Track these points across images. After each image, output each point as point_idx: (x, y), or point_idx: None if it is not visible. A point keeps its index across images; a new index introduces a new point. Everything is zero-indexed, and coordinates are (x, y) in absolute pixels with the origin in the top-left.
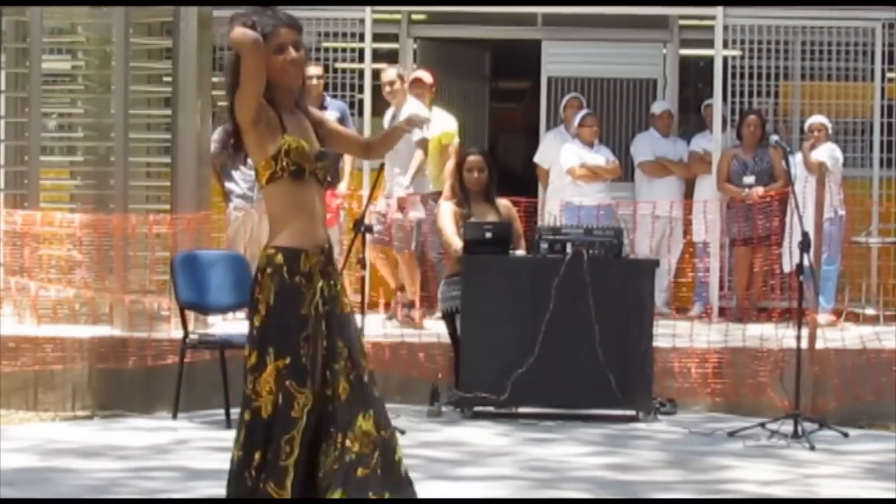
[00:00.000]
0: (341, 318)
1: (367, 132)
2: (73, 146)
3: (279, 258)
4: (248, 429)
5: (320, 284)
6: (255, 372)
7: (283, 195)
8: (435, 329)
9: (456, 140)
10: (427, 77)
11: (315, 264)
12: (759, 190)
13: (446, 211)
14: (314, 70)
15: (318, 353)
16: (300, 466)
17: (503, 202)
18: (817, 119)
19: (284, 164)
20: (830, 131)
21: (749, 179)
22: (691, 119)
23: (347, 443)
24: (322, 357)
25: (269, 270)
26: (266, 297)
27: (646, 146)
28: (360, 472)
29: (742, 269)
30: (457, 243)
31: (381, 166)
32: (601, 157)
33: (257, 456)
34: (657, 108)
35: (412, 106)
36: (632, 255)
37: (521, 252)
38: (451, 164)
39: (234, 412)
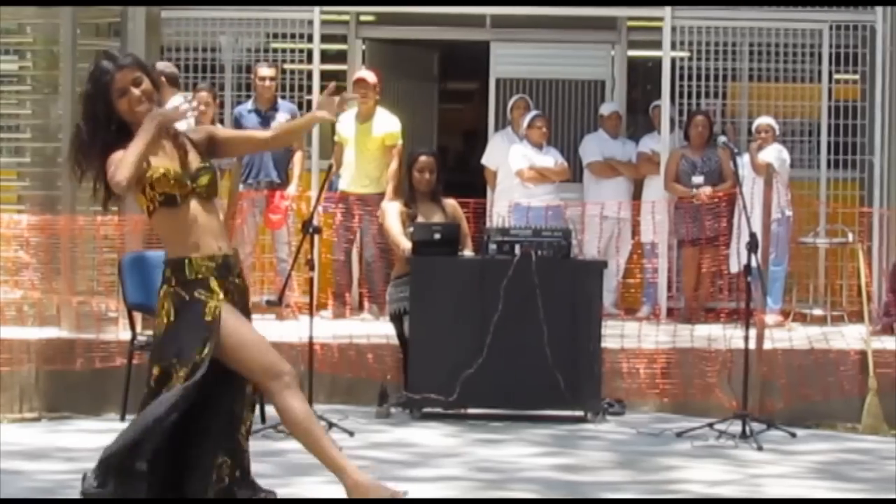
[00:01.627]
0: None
1: (315, 133)
2: (20, 147)
3: (167, 272)
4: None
5: (219, 293)
6: (159, 384)
7: (165, 221)
8: (384, 330)
9: (399, 141)
10: (370, 77)
11: (204, 271)
12: (708, 190)
13: (392, 211)
14: (267, 71)
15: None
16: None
17: (449, 202)
18: (764, 120)
19: (152, 196)
20: (778, 132)
21: (698, 179)
22: (640, 120)
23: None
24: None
25: (164, 287)
26: (166, 313)
27: (594, 147)
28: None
29: (690, 269)
30: (405, 244)
31: (330, 167)
32: (550, 159)
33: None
34: (605, 109)
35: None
36: (580, 256)
37: (468, 252)
38: (394, 165)
39: None
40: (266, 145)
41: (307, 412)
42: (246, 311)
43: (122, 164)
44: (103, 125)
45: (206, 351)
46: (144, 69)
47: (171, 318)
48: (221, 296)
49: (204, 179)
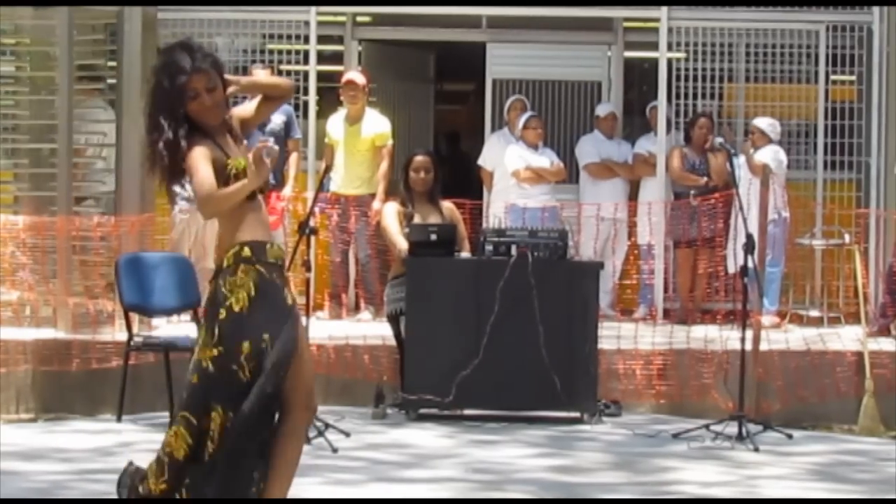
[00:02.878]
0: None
1: (311, 134)
2: (16, 148)
3: (246, 251)
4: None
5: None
6: (250, 361)
7: (236, 213)
8: (380, 331)
9: (389, 141)
10: (359, 78)
11: (279, 258)
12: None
13: (390, 211)
14: (263, 73)
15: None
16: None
17: (447, 204)
18: (757, 122)
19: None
20: (773, 138)
21: (701, 180)
22: (636, 121)
23: None
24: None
25: (241, 266)
26: (243, 291)
27: (590, 148)
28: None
29: (685, 270)
30: (402, 244)
31: (326, 168)
32: (546, 160)
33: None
34: (602, 110)
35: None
36: (576, 257)
37: (465, 254)
38: (384, 166)
39: None
40: (274, 103)
41: (299, 457)
42: None
43: (223, 200)
44: (181, 122)
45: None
46: (220, 72)
47: (254, 295)
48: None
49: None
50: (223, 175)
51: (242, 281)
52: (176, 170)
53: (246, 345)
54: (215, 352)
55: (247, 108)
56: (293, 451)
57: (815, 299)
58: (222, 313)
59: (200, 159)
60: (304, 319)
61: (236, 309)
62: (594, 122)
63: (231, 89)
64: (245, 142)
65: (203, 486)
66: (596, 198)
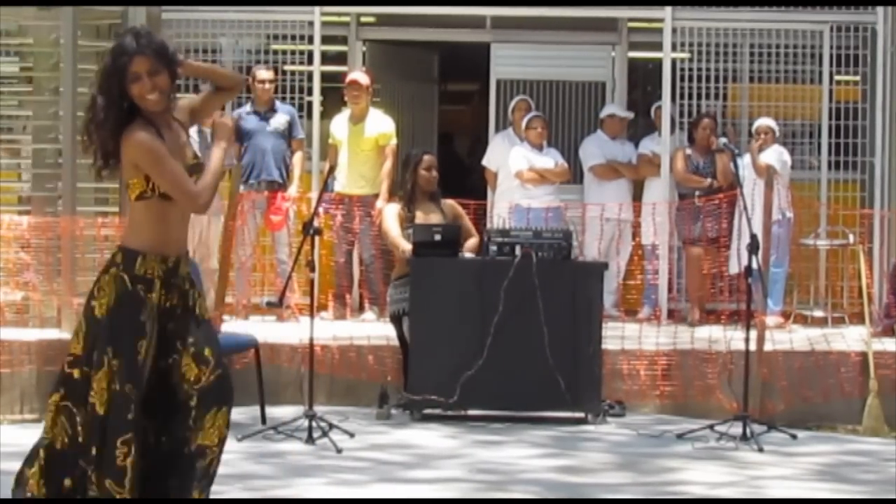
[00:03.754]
0: (182, 324)
1: (315, 135)
2: (20, 148)
3: (118, 257)
4: (86, 422)
5: (157, 294)
6: (91, 367)
7: (147, 211)
8: (384, 331)
9: (393, 141)
10: (363, 78)
11: (152, 270)
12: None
13: (391, 213)
14: (265, 74)
15: (149, 357)
16: (137, 465)
17: (447, 202)
18: (764, 122)
19: (155, 185)
20: (777, 134)
21: (705, 181)
22: (639, 121)
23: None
24: (154, 359)
25: (111, 270)
26: (108, 297)
27: (595, 149)
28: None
29: (694, 271)
30: (405, 245)
31: (331, 168)
32: (550, 160)
33: (93, 451)
34: (608, 111)
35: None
36: (580, 257)
37: (473, 240)
38: (388, 165)
39: None
40: (227, 95)
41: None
42: (189, 311)
43: (211, 188)
44: (116, 103)
45: (143, 353)
46: (166, 59)
47: (112, 304)
48: (158, 298)
49: (195, 177)
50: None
51: (108, 286)
52: (106, 151)
53: (96, 353)
54: (74, 348)
55: (194, 99)
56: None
57: (819, 300)
58: (87, 311)
59: (157, 148)
60: (307, 319)
61: (97, 314)
62: (599, 123)
63: (179, 70)
64: (194, 137)
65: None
66: (600, 198)
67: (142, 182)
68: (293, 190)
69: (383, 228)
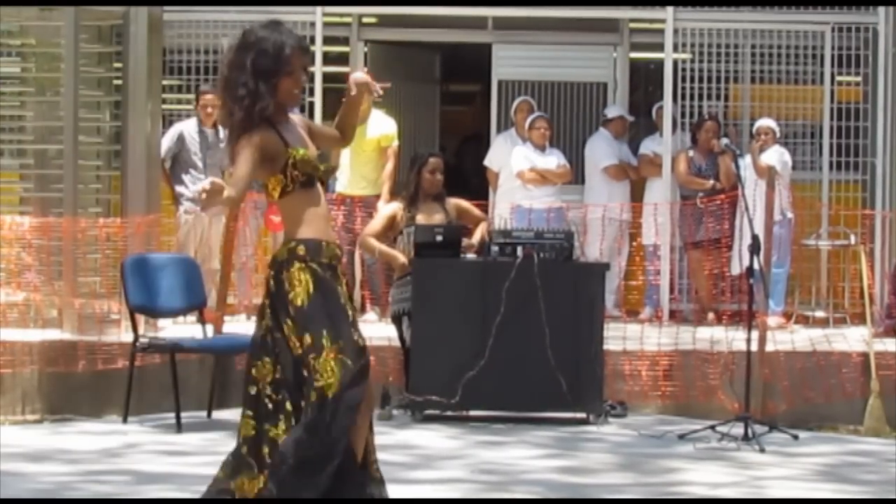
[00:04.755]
0: None
1: None
2: (22, 149)
3: (301, 249)
4: (317, 408)
5: (342, 281)
6: (312, 352)
7: (298, 203)
8: (386, 332)
9: (395, 142)
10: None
11: (334, 257)
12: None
13: (385, 213)
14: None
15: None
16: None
17: (451, 202)
18: (765, 122)
19: (294, 175)
20: (778, 134)
21: (707, 183)
22: (641, 122)
23: None
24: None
25: (296, 264)
26: (304, 287)
27: (609, 149)
28: None
29: (698, 272)
30: (400, 258)
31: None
32: (552, 161)
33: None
34: (611, 112)
35: None
36: (582, 258)
37: (483, 225)
38: (389, 167)
39: (185, 415)
40: (339, 141)
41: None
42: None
43: (240, 186)
44: (268, 96)
45: (359, 335)
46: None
47: (312, 290)
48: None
49: (325, 165)
50: (280, 162)
51: (300, 277)
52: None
53: (307, 337)
54: (308, 339)
55: (319, 127)
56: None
57: (820, 300)
58: (290, 309)
59: (246, 148)
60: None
61: (298, 303)
62: (606, 125)
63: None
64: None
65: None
66: (603, 199)
67: (279, 177)
68: None
69: (373, 248)
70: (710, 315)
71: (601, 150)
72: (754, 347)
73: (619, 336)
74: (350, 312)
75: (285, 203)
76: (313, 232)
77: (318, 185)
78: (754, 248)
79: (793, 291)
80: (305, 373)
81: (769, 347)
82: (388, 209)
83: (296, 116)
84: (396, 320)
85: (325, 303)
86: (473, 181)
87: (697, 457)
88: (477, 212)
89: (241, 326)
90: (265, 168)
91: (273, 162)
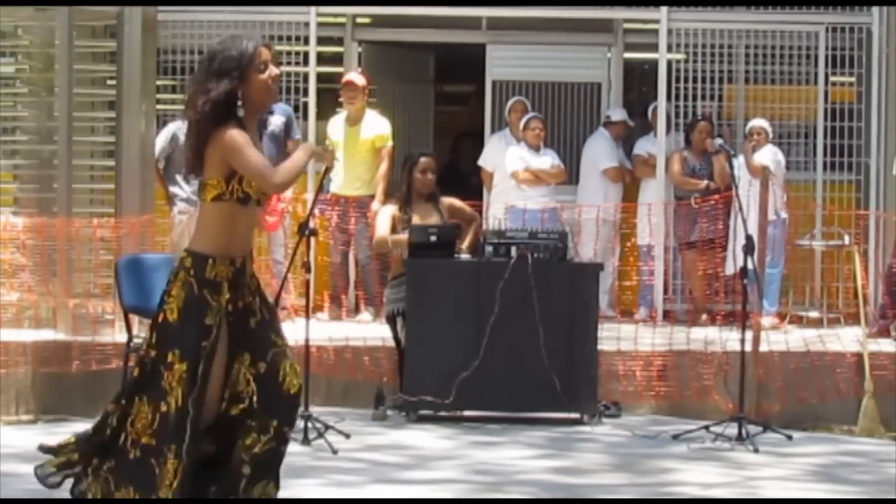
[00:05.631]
0: (251, 330)
1: (311, 136)
2: (16, 149)
3: (188, 261)
4: (164, 419)
5: (226, 297)
6: (168, 369)
7: (221, 214)
8: (380, 332)
9: (389, 143)
10: (359, 79)
11: (222, 273)
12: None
13: (384, 215)
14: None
15: (214, 362)
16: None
17: (445, 202)
18: (757, 122)
19: (234, 188)
20: (771, 135)
21: (701, 183)
22: (636, 122)
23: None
24: (223, 366)
25: (180, 274)
26: (176, 301)
27: (611, 151)
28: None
29: (693, 272)
30: (394, 236)
31: (326, 170)
32: (546, 161)
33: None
34: (615, 115)
35: None
36: (576, 258)
37: (475, 224)
38: (384, 167)
39: None
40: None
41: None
42: (253, 310)
43: (290, 175)
44: (230, 98)
45: (204, 354)
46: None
47: (181, 308)
48: (224, 301)
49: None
50: (231, 168)
51: (178, 291)
52: (198, 148)
53: (171, 354)
54: (151, 353)
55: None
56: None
57: (814, 300)
58: (160, 316)
59: (241, 140)
60: (303, 321)
61: (170, 318)
62: (605, 125)
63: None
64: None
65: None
66: (594, 200)
67: (221, 184)
68: (288, 191)
69: (374, 231)
70: (704, 315)
71: (602, 152)
72: (748, 348)
73: (614, 336)
74: (214, 333)
75: (210, 209)
76: (210, 246)
77: (254, 205)
78: (748, 249)
79: (787, 292)
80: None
81: (763, 348)
82: (386, 210)
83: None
84: (391, 320)
85: (189, 326)
86: (472, 179)
87: (691, 457)
88: (469, 210)
89: None
90: (218, 164)
91: (227, 163)
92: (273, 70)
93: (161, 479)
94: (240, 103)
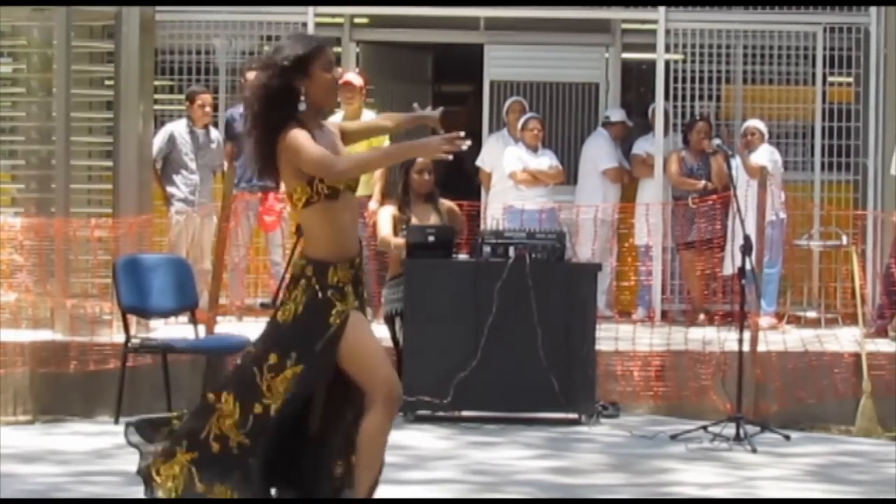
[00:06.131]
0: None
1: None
2: (14, 150)
3: (309, 269)
4: (257, 421)
5: (352, 300)
6: (272, 371)
7: (319, 216)
8: (378, 333)
9: (386, 143)
10: (356, 80)
11: (344, 277)
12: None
13: (385, 215)
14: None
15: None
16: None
17: (445, 203)
18: (752, 123)
19: (318, 188)
20: (766, 136)
21: (699, 184)
22: (634, 122)
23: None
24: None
25: (301, 282)
26: (296, 305)
27: (612, 151)
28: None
29: (690, 273)
30: (396, 240)
31: None
32: (545, 161)
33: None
34: (615, 116)
35: None
36: (574, 258)
37: (462, 256)
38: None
39: None
40: (386, 132)
41: (379, 432)
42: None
43: (360, 164)
44: (294, 97)
45: (323, 353)
46: None
47: (299, 313)
48: (353, 302)
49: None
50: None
51: (298, 296)
52: (264, 156)
53: (272, 356)
54: (251, 349)
55: (353, 124)
56: (372, 427)
57: (812, 301)
58: (274, 317)
59: (302, 137)
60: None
61: (280, 319)
62: (604, 125)
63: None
64: (186, 139)
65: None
66: (593, 200)
67: (305, 189)
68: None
69: (377, 231)
70: (702, 315)
71: (602, 152)
72: (746, 348)
73: (611, 336)
74: (323, 348)
75: (307, 215)
76: (326, 251)
77: (347, 193)
78: (746, 249)
79: (785, 292)
80: (258, 381)
81: (761, 348)
82: (386, 210)
83: (330, 124)
84: (389, 321)
85: (306, 329)
86: (472, 180)
87: (689, 457)
88: (461, 221)
89: (233, 327)
90: (294, 172)
91: (301, 168)
92: (339, 72)
93: (253, 478)
94: (302, 98)
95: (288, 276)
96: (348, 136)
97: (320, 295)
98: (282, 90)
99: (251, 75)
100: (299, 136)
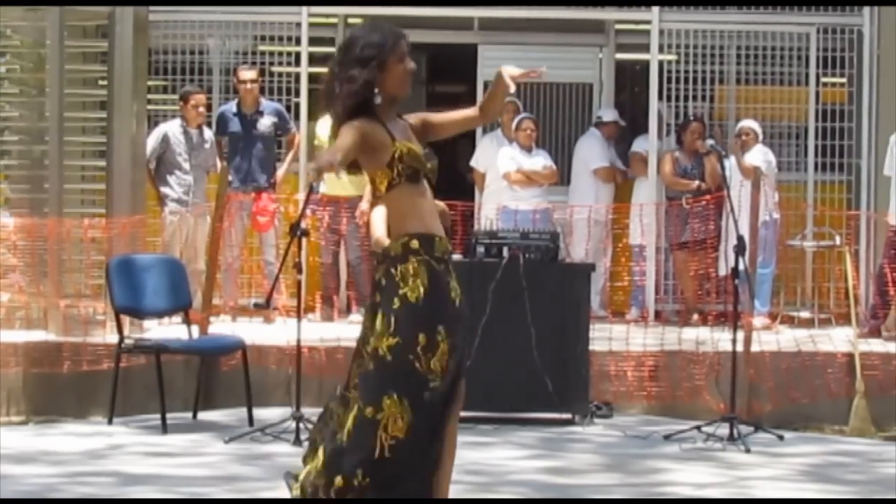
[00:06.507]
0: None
1: (302, 136)
2: (7, 150)
3: (415, 243)
4: (427, 406)
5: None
6: (427, 352)
7: (405, 197)
8: None
9: None
10: None
11: (446, 251)
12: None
13: (378, 216)
14: (248, 74)
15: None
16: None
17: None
18: (747, 123)
19: (400, 169)
20: (760, 137)
21: (693, 184)
22: (627, 122)
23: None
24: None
25: (410, 258)
26: (418, 281)
27: (603, 151)
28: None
29: (684, 273)
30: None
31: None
32: (539, 162)
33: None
34: (607, 116)
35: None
36: (568, 259)
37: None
38: None
39: (171, 416)
40: (478, 121)
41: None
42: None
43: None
44: (368, 88)
45: (460, 318)
46: None
47: (427, 287)
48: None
49: (432, 164)
50: (385, 155)
51: (416, 271)
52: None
53: (421, 336)
54: (392, 341)
55: (442, 115)
56: (454, 443)
57: (805, 301)
58: (396, 302)
59: (342, 134)
60: (294, 321)
61: (412, 299)
62: (597, 125)
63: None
64: (179, 138)
65: (382, 476)
66: (585, 200)
67: (386, 172)
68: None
69: (371, 231)
70: (695, 316)
71: (594, 152)
72: (740, 348)
73: (605, 337)
74: (458, 310)
75: (392, 197)
76: (423, 226)
77: (425, 182)
78: (740, 249)
79: (778, 292)
80: (418, 366)
81: (754, 348)
82: (378, 212)
83: (411, 116)
84: None
85: (440, 300)
86: (466, 180)
87: (683, 457)
88: (446, 216)
89: (227, 327)
90: (371, 160)
91: (378, 154)
92: (410, 63)
93: (429, 470)
94: (377, 90)
95: (385, 257)
96: (436, 129)
97: (436, 265)
98: (357, 84)
99: (243, 74)
100: (342, 134)
